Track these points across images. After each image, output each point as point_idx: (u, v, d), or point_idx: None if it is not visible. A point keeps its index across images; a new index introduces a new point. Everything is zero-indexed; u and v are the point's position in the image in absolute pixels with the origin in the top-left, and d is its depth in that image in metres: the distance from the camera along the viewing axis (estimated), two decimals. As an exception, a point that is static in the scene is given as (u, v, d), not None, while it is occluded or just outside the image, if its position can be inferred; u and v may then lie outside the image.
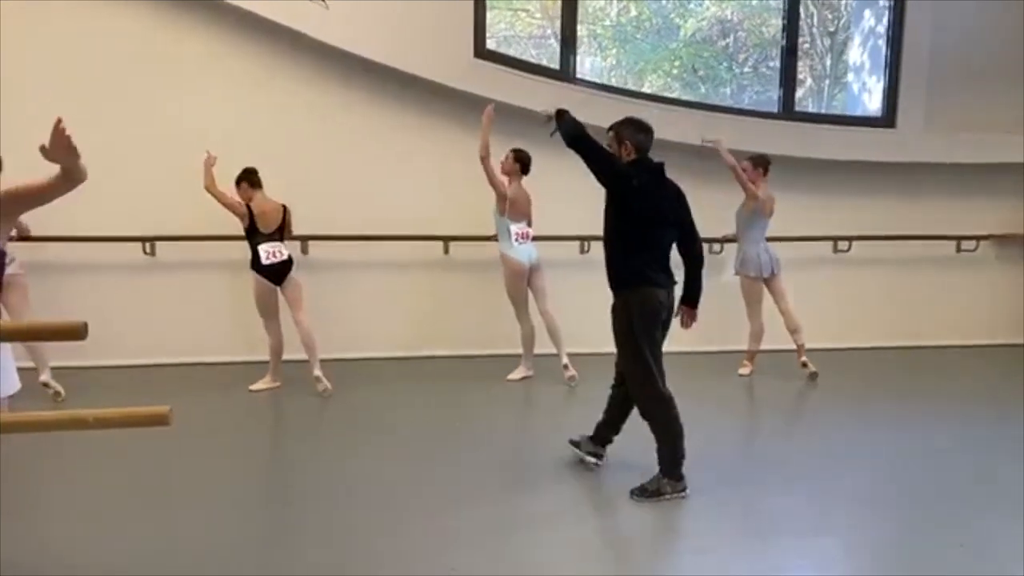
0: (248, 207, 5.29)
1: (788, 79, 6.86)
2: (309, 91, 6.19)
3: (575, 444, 4.17)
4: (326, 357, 5.93)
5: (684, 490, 3.75)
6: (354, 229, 6.23)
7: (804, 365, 6.00)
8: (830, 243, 7.05)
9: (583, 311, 6.47)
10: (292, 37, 6.00)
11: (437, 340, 6.52)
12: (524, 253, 5.73)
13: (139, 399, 5.39)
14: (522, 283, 5.77)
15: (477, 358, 6.48)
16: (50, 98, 5.78)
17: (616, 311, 3.77)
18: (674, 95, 8.74)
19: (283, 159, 5.99)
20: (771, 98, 10.44)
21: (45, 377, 5.18)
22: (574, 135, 3.68)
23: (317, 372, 5.40)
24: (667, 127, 6.52)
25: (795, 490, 3.94)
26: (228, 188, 5.39)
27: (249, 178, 5.35)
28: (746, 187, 5.87)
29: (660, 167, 3.83)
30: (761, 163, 5.98)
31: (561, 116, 3.79)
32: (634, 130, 3.78)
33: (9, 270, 5.08)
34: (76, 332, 1.84)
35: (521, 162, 5.68)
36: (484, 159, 5.39)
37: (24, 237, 5.44)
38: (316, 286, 6.12)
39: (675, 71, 10.60)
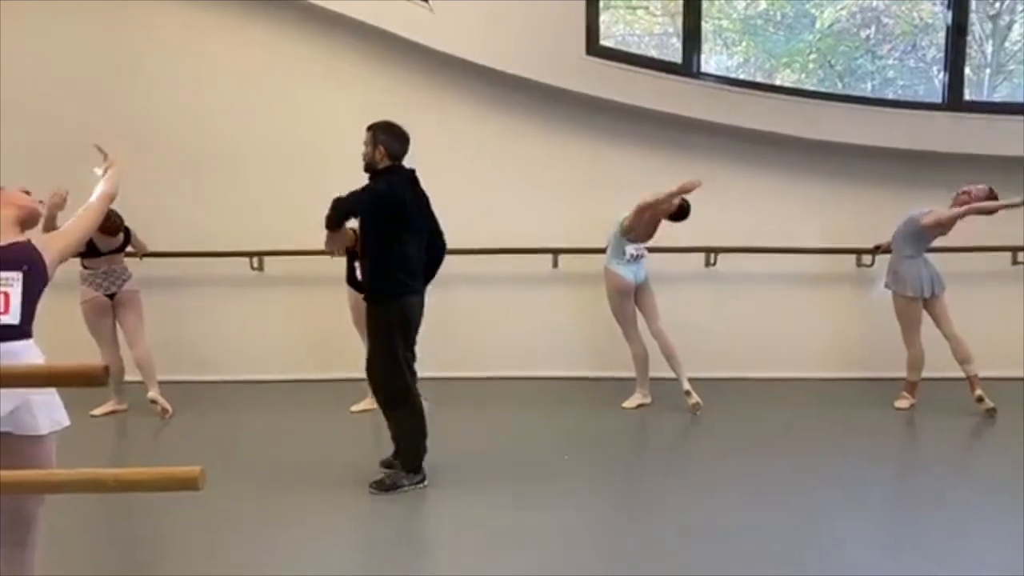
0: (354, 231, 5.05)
1: (956, 63, 5.88)
2: (413, 98, 5.92)
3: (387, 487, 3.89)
4: (427, 375, 5.65)
5: (422, 482, 3.90)
6: (457, 242, 5.88)
7: (980, 400, 5.06)
8: (1008, 254, 5.99)
9: (706, 330, 5.87)
10: (397, 42, 5.77)
11: (545, 360, 6.06)
12: (630, 268, 5.19)
13: (242, 415, 5.35)
14: (627, 301, 5.24)
15: (588, 380, 5.97)
16: (171, 109, 5.87)
17: (374, 316, 3.93)
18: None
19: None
20: (917, 92, 9.34)
21: (153, 393, 5.19)
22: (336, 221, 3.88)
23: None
24: (809, 124, 5.82)
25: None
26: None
27: None
28: (952, 224, 5.13)
29: (412, 174, 3.94)
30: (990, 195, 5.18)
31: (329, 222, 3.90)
32: (391, 136, 3.87)
33: (126, 287, 5.16)
34: (96, 377, 1.55)
35: (680, 211, 5.14)
36: (649, 207, 4.99)
37: (143, 254, 5.50)
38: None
39: (811, 66, 9.70)
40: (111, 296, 5.14)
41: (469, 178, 5.99)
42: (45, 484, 1.68)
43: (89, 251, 4.96)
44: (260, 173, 5.94)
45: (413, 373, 4.03)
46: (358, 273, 5.07)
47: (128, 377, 5.31)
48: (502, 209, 5.98)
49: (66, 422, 2.52)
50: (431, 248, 4.07)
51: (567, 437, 4.82)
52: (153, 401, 5.17)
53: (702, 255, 5.97)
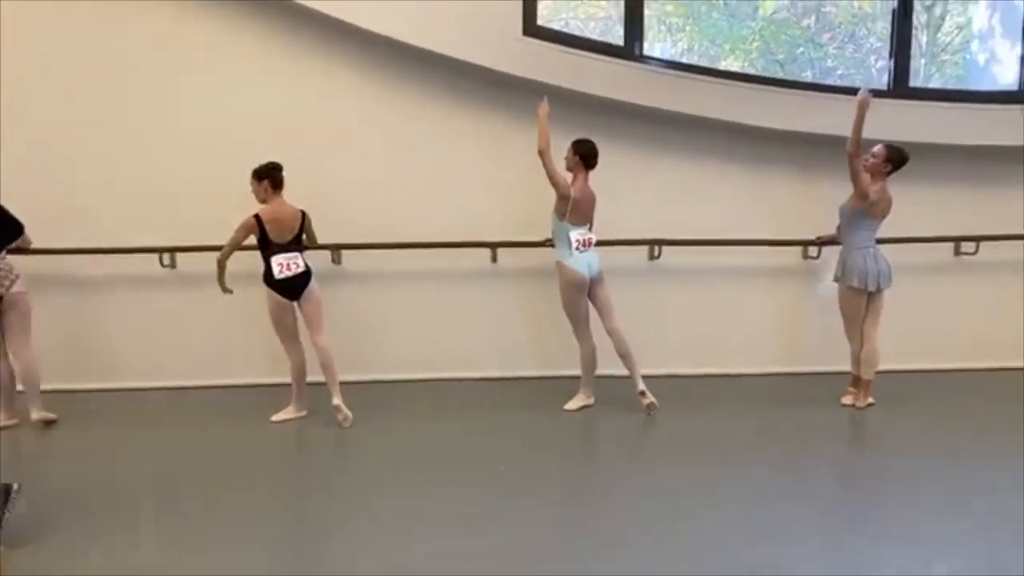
0: (256, 216, 4.63)
1: (901, 49, 5.75)
2: (337, 81, 5.50)
3: None
4: (359, 379, 5.35)
5: None
6: (389, 235, 5.52)
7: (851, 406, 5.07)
8: (951, 244, 5.92)
9: (654, 326, 5.64)
10: (317, 20, 5.32)
11: (483, 360, 5.75)
12: (583, 262, 4.89)
13: (147, 428, 4.85)
14: (581, 296, 4.94)
15: (530, 380, 5.68)
16: (55, 101, 5.33)
17: None
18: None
19: (310, 158, 5.34)
20: (855, 81, 9.34)
21: (36, 415, 4.73)
22: None
23: (336, 401, 4.73)
24: (755, 111, 5.62)
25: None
26: (240, 199, 4.76)
27: (273, 176, 4.67)
28: (856, 179, 4.85)
29: None
30: (895, 157, 4.91)
31: None
32: None
33: (15, 288, 4.64)
34: None
35: (583, 156, 4.85)
36: (543, 152, 4.68)
37: (23, 250, 4.95)
38: (348, 300, 5.51)
39: (753, 54, 9.60)
40: None
41: (398, 167, 5.61)
42: None
43: None
44: (167, 160, 5.43)
45: None
46: (275, 271, 4.68)
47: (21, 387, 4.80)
48: (436, 200, 5.62)
49: None
50: None
51: (504, 445, 4.50)
52: (45, 421, 4.72)
53: (646, 248, 5.73)
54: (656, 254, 5.74)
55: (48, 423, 4.74)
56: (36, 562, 3.11)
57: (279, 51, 5.45)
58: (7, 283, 4.63)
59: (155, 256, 5.45)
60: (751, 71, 9.01)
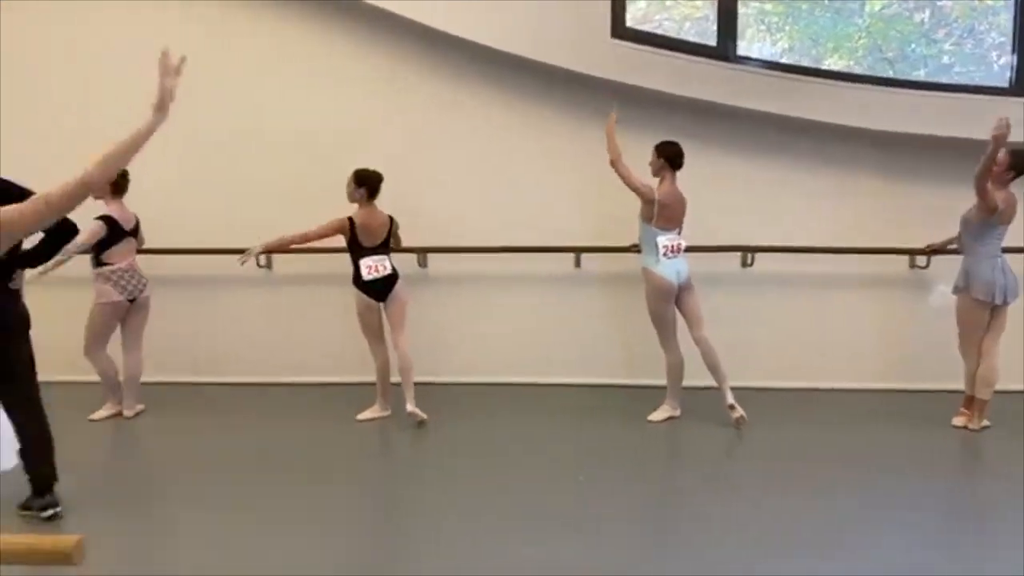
0: (350, 219, 4.75)
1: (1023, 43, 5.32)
2: (421, 85, 5.58)
3: (26, 508, 3.50)
4: (441, 381, 5.43)
5: (48, 508, 3.45)
6: (472, 240, 5.55)
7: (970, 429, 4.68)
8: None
9: (746, 336, 5.43)
10: (404, 26, 5.41)
11: (566, 366, 5.68)
12: (671, 269, 4.76)
13: (238, 421, 5.04)
14: (668, 304, 4.81)
15: (613, 388, 5.57)
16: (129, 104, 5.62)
17: None
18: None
19: (400, 162, 5.43)
20: (973, 79, 8.67)
21: (129, 412, 5.03)
22: None
23: (411, 407, 4.78)
24: (859, 111, 5.33)
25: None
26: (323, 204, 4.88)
27: (371, 184, 4.76)
28: (983, 198, 4.46)
29: None
30: (1019, 164, 4.54)
31: None
32: None
33: (146, 292, 4.98)
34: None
35: (668, 158, 4.72)
36: (615, 163, 4.61)
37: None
38: (432, 303, 5.57)
39: (859, 52, 9.11)
40: (131, 301, 4.91)
41: (485, 171, 5.65)
42: None
43: (113, 235, 4.72)
44: (263, 164, 5.64)
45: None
46: (364, 273, 4.78)
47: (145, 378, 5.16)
48: (521, 205, 5.61)
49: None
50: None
51: (584, 454, 4.43)
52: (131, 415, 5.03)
53: (738, 255, 5.52)
54: (749, 261, 5.52)
55: (136, 415, 5.06)
56: (119, 552, 3.28)
57: (365, 54, 5.55)
58: (141, 286, 4.93)
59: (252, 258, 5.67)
60: (857, 70, 8.55)
